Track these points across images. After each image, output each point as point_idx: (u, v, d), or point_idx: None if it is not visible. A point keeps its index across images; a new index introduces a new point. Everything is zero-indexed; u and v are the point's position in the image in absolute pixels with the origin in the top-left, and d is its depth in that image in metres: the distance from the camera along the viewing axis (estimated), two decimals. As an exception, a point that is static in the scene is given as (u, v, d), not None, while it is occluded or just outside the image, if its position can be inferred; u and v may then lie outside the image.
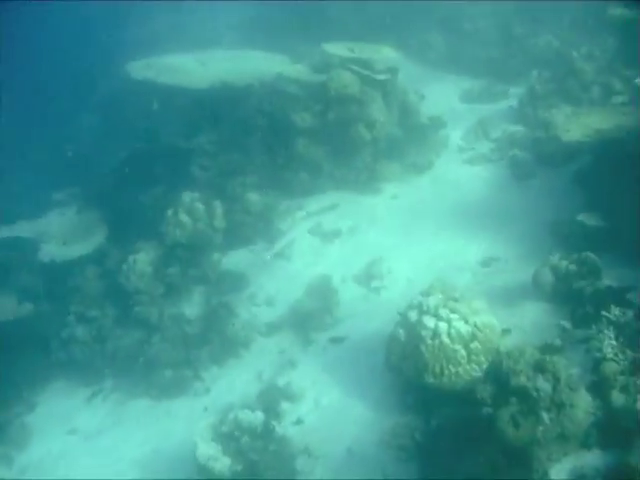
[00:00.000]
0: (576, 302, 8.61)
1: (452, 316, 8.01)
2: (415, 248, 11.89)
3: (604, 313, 7.43)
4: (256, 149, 13.60)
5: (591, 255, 8.86)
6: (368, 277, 11.50)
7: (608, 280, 8.83)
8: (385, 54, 13.33)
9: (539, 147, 13.30)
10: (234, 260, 12.85)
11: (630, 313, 7.31)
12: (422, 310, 8.30)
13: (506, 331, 8.65)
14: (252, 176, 13.28)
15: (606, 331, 7.10)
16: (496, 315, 8.66)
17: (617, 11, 15.42)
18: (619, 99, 14.14)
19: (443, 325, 7.93)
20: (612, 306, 7.47)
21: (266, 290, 12.05)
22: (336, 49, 13.19)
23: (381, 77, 12.81)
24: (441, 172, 13.75)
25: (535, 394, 6.31)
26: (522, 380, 6.42)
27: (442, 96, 16.68)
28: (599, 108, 12.68)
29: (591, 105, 14.09)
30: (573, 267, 8.84)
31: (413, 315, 8.37)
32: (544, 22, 20.83)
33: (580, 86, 14.77)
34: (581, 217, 10.04)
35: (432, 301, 8.34)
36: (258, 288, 12.13)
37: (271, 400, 9.76)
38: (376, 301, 11.12)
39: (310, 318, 10.97)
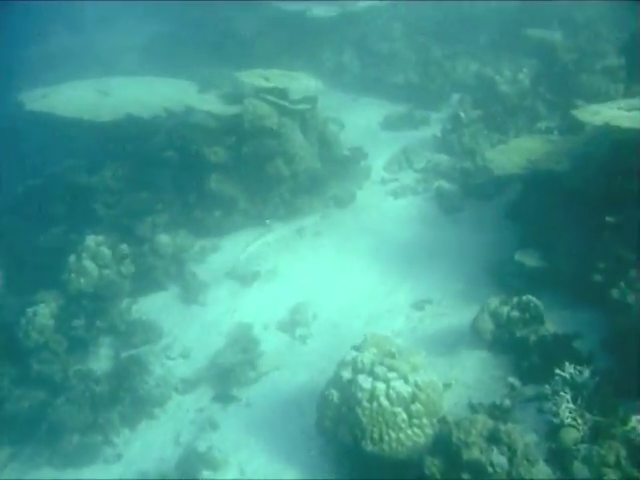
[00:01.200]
0: (520, 352, 8.37)
1: (390, 375, 7.60)
2: (341, 290, 11.51)
3: (558, 372, 7.17)
4: (166, 186, 12.98)
5: (533, 300, 8.66)
6: (292, 324, 11.02)
7: (551, 324, 8.67)
8: (303, 83, 12.97)
9: (466, 178, 13.22)
10: (145, 308, 12.14)
11: (586, 372, 7.07)
12: (356, 368, 7.87)
13: (447, 386, 8.35)
14: (162, 215, 12.65)
15: (562, 393, 6.82)
16: (434, 366, 8.35)
17: (535, 32, 15.65)
18: (544, 125, 14.28)
19: (381, 385, 7.50)
20: (566, 364, 7.22)
21: (181, 341, 11.39)
22: (250, 78, 12.74)
23: (299, 107, 12.42)
24: (365, 206, 13.46)
25: (490, 469, 5.96)
26: (475, 453, 6.07)
27: (362, 123, 16.50)
28: (528, 137, 12.65)
29: (517, 132, 14.15)
30: (515, 313, 8.61)
31: (346, 374, 7.92)
32: (461, 42, 21.07)
33: (505, 111, 14.83)
34: (519, 257, 9.89)
35: (367, 357, 7.92)
36: (172, 339, 11.47)
37: (190, 469, 9.16)
38: (302, 351, 10.64)
39: (231, 372, 10.38)
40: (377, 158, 14.64)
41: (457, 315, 10.00)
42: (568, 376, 7.02)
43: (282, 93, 12.60)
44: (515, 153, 11.63)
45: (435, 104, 17.36)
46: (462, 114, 14.49)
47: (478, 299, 9.86)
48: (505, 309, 8.73)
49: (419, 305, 10.62)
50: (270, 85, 12.37)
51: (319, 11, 19.91)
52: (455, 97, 17.68)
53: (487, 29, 22.18)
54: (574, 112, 9.53)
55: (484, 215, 12.49)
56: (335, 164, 13.28)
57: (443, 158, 14.43)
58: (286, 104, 12.20)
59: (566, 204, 10.14)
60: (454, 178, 13.51)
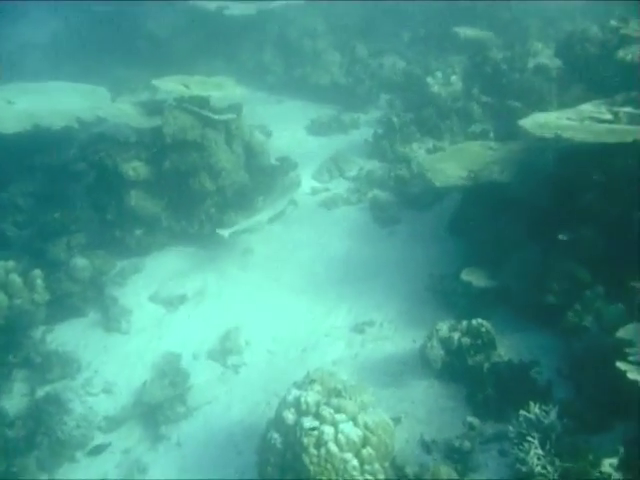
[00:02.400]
0: (474, 382, 8.09)
1: (338, 417, 7.17)
2: (275, 313, 11.04)
3: (523, 413, 6.89)
4: (81, 204, 12.31)
5: (485, 324, 8.38)
6: (224, 352, 10.48)
7: (504, 349, 8.46)
8: (227, 90, 12.44)
9: (402, 187, 12.94)
10: (62, 338, 11.38)
11: (553, 412, 6.79)
12: (300, 409, 7.41)
13: (396, 420, 8.01)
14: (78, 236, 11.92)
15: (529, 437, 6.53)
16: (381, 399, 8.04)
17: (464, 31, 15.49)
18: (479, 127, 14.16)
19: (329, 430, 7.09)
20: (531, 404, 6.93)
21: (102, 374, 10.69)
22: (169, 85, 12.13)
23: (224, 117, 11.88)
24: (296, 219, 13.02)
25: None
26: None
27: (288, 128, 16.06)
28: (465, 143, 12.46)
29: (452, 136, 13.98)
30: (466, 340, 8.33)
31: (290, 415, 7.46)
32: (386, 39, 20.87)
33: (438, 114, 14.64)
34: (466, 276, 9.61)
35: (311, 397, 7.46)
36: (93, 372, 10.76)
37: (119, 519, 8.61)
38: (235, 382, 10.11)
39: (159, 409, 9.82)
40: (306, 166, 14.20)
41: (401, 339, 9.70)
42: (534, 417, 6.74)
43: (205, 102, 12.03)
44: (454, 161, 11.41)
45: (363, 106, 17.08)
46: (394, 118, 14.20)
47: (422, 320, 9.63)
48: (455, 335, 8.44)
49: (359, 328, 10.25)
50: (192, 94, 11.79)
51: (237, 9, 19.36)
52: (384, 98, 17.47)
53: (412, 25, 22.10)
54: (521, 123, 9.27)
55: (423, 227, 12.24)
56: (263, 175, 12.78)
57: (376, 165, 14.14)
58: (210, 115, 11.63)
59: (513, 218, 9.97)
60: (389, 187, 13.20)
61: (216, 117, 11.67)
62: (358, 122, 16.05)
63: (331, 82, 17.60)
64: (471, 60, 15.97)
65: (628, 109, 9.09)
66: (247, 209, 12.30)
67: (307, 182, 13.94)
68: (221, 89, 12.32)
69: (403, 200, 12.84)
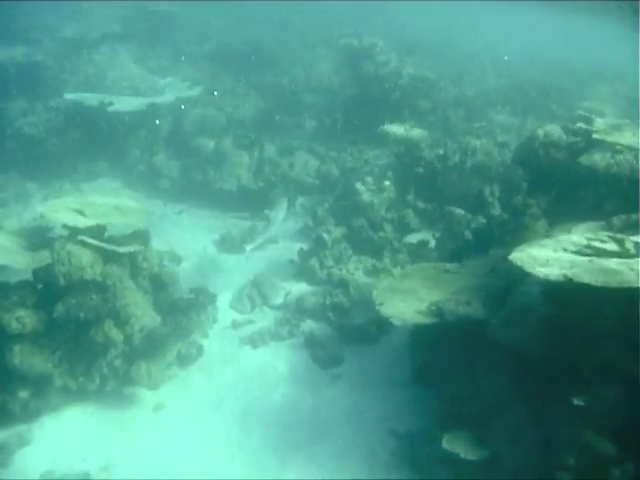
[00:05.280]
0: None
1: None
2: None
3: None
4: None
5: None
6: None
7: None
8: (132, 215, 10.95)
9: (341, 317, 11.72)
10: None
11: None
12: None
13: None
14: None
15: None
16: None
17: (394, 130, 14.65)
18: (416, 238, 13.26)
19: None
20: None
21: None
22: (59, 210, 10.53)
23: (130, 250, 10.36)
24: (216, 361, 11.48)
25: None
26: None
27: (194, 245, 14.65)
28: (416, 266, 11.40)
29: (393, 253, 12.96)
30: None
31: None
32: (289, 129, 20.03)
33: (370, 225, 13.60)
34: (450, 445, 8.30)
35: None
36: None
37: None
38: None
39: None
40: (222, 293, 12.79)
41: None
42: None
43: (102, 229, 10.50)
44: (408, 291, 10.32)
45: (276, 212, 15.89)
46: (325, 235, 12.99)
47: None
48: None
49: (313, 512, 8.76)
50: (88, 223, 10.22)
51: (123, 105, 18.03)
52: (299, 202, 16.41)
53: (314, 114, 21.47)
54: (513, 257, 8.11)
55: (373, 367, 10.99)
56: (175, 310, 11.26)
57: (305, 288, 12.90)
58: (114, 248, 10.08)
59: (493, 365, 8.83)
60: (325, 317, 11.94)
61: (121, 250, 10.11)
62: (275, 235, 14.77)
63: (239, 187, 16.33)
64: (399, 159, 15.11)
65: (635, 238, 8.16)
66: (159, 357, 10.68)
67: (225, 313, 12.51)
68: (122, 212, 10.81)
69: (343, 333, 11.60)
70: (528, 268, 7.66)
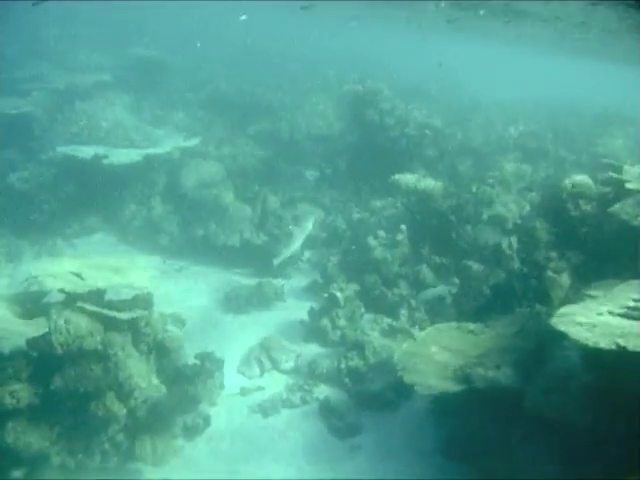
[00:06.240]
0: None
1: None
2: None
3: None
4: None
5: None
6: None
7: None
8: (133, 277, 10.38)
9: (357, 383, 11.13)
10: None
11: None
12: None
13: None
14: None
15: None
16: None
17: (404, 179, 14.21)
18: (432, 294, 12.77)
19: None
20: None
21: None
22: (55, 273, 9.97)
23: (133, 315, 9.77)
24: (224, 432, 10.83)
25: None
26: None
27: (198, 305, 14.08)
28: (437, 327, 10.85)
29: (410, 311, 12.47)
30: None
31: None
32: (289, 182, 19.64)
33: (383, 281, 13.08)
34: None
35: None
36: None
37: None
38: None
39: None
40: (228, 356, 12.15)
41: None
42: None
43: (101, 293, 9.90)
44: (432, 354, 9.78)
45: (282, 269, 15.34)
46: (338, 293, 12.41)
47: None
48: None
49: None
50: (87, 288, 9.62)
51: (118, 157, 17.55)
52: (306, 256, 15.91)
53: (315, 163, 21.15)
54: (555, 322, 7.55)
55: (394, 437, 10.35)
56: (181, 381, 10.63)
57: (316, 350, 12.34)
58: (115, 314, 9.48)
59: (531, 435, 8.24)
60: (340, 382, 11.36)
61: (123, 317, 9.53)
62: (283, 293, 14.21)
63: (242, 242, 15.77)
64: (409, 210, 14.61)
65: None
66: (164, 430, 10.06)
67: (233, 378, 11.88)
68: (125, 276, 10.25)
69: (361, 400, 10.99)
70: (573, 335, 7.11)
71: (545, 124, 23.98)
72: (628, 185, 9.89)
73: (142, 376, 9.89)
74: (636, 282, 8.52)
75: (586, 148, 23.34)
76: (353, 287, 12.99)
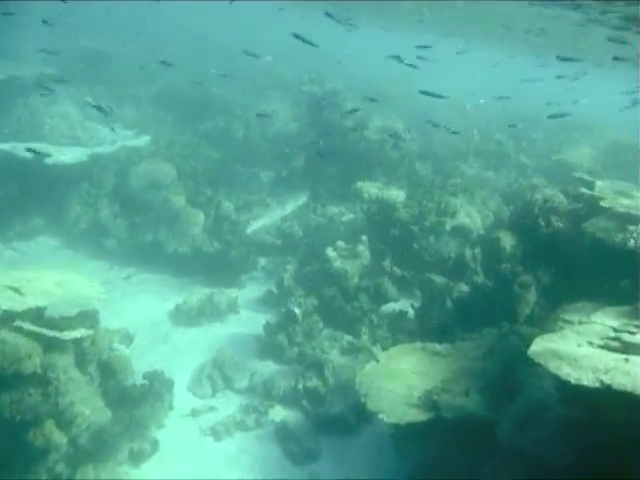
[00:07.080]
0: None
1: None
2: None
3: None
4: None
5: None
6: None
7: None
8: (77, 292, 9.74)
9: (316, 404, 10.67)
10: None
11: None
12: None
13: None
14: None
15: None
16: None
17: (366, 188, 13.78)
18: (393, 307, 12.36)
19: None
20: None
21: None
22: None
23: (75, 335, 9.13)
24: (172, 457, 10.22)
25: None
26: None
27: (145, 317, 13.43)
28: (402, 347, 10.43)
29: (372, 328, 12.04)
30: None
31: None
32: (244, 184, 19.11)
33: (343, 295, 12.62)
34: None
35: None
36: None
37: None
38: None
39: None
40: (178, 373, 11.62)
41: None
42: None
43: (43, 312, 9.27)
44: (395, 378, 9.35)
45: (236, 277, 14.89)
46: (296, 309, 11.90)
47: None
48: None
49: None
50: (25, 305, 8.96)
51: (62, 156, 16.80)
52: (260, 264, 15.38)
53: (272, 163, 20.62)
54: (533, 353, 7.15)
55: (353, 462, 9.93)
56: (127, 403, 10.04)
57: (272, 368, 11.85)
58: (57, 335, 8.85)
59: (502, 467, 7.84)
60: (296, 403, 10.87)
61: (66, 337, 8.90)
62: (236, 304, 13.66)
63: (194, 249, 15.17)
64: (370, 219, 14.16)
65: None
66: (109, 459, 9.45)
67: (183, 397, 11.30)
68: (68, 291, 9.60)
69: (320, 423, 10.51)
70: (554, 369, 6.73)
71: (506, 129, 23.60)
72: (602, 203, 9.54)
73: (86, 400, 9.26)
74: (612, 309, 8.18)
75: (547, 155, 23.15)
76: (311, 301, 12.49)
